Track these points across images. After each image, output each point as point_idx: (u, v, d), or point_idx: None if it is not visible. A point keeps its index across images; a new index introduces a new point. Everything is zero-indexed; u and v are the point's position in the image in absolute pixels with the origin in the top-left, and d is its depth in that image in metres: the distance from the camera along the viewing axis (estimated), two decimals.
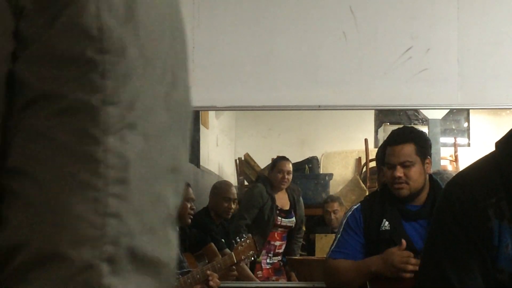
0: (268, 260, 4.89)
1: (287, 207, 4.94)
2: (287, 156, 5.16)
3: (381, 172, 3.42)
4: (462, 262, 1.66)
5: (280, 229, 4.92)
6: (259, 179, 5.12)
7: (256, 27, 3.83)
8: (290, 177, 4.95)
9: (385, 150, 3.19)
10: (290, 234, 4.99)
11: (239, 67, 3.82)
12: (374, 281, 3.01)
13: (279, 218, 4.87)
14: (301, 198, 5.10)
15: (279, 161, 4.99)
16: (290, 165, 5.00)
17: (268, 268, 4.92)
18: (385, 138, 5.88)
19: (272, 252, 4.92)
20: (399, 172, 3.04)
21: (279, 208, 4.86)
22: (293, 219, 4.95)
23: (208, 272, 3.22)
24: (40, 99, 0.56)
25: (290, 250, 5.02)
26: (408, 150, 3.08)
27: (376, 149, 6.00)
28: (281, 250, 4.97)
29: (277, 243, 4.94)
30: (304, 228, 5.17)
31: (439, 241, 1.73)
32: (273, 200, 4.81)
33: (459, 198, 1.69)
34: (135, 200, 0.57)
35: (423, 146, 3.14)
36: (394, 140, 3.15)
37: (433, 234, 1.80)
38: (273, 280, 4.84)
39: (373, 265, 2.98)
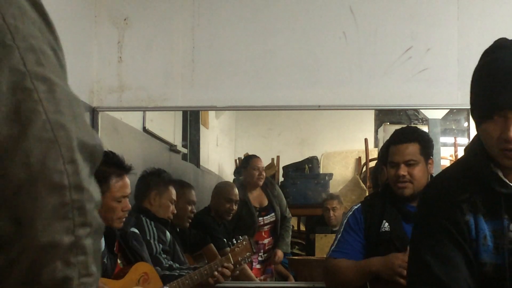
0: (259, 259, 4.91)
1: (265, 203, 4.96)
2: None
3: (382, 171, 3.41)
4: (446, 257, 1.75)
5: (265, 227, 4.94)
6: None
7: (256, 27, 3.83)
8: (264, 173, 5.00)
9: (388, 149, 3.16)
10: (275, 228, 5.01)
11: (239, 67, 3.82)
12: (374, 282, 3.01)
13: (260, 219, 4.89)
14: (277, 187, 5.12)
15: (252, 158, 5.05)
16: (262, 162, 5.05)
17: (259, 268, 4.93)
18: (385, 138, 5.89)
19: (262, 251, 4.95)
20: (403, 171, 3.02)
21: (258, 208, 4.87)
22: (273, 214, 4.97)
23: (216, 273, 3.24)
24: None
25: (280, 239, 5.01)
26: (413, 149, 3.06)
27: (376, 149, 6.02)
28: (270, 246, 4.98)
29: (266, 241, 4.96)
30: (290, 215, 5.16)
31: (422, 240, 1.81)
32: (247, 202, 4.82)
33: (434, 198, 1.81)
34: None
35: (427, 146, 3.12)
36: (398, 139, 3.13)
37: (416, 235, 1.88)
38: (261, 280, 4.85)
39: (374, 266, 2.97)
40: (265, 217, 4.94)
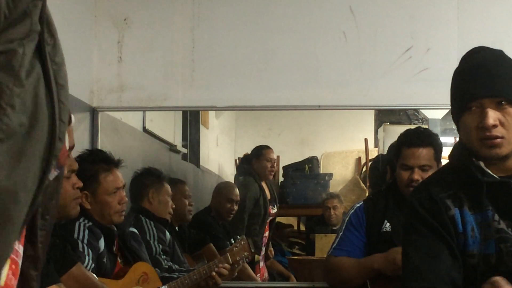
0: (262, 253, 4.90)
1: (269, 197, 4.97)
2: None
3: (387, 171, 3.38)
4: (428, 250, 1.85)
5: (269, 218, 4.95)
6: (246, 173, 4.98)
7: (256, 27, 3.83)
8: (276, 167, 4.98)
9: (399, 150, 3.13)
10: (273, 221, 5.06)
11: (239, 67, 3.82)
12: (375, 280, 3.00)
13: (271, 206, 4.92)
14: (275, 187, 5.17)
15: (265, 149, 4.95)
16: (274, 154, 5.00)
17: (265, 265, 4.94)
18: (385, 137, 5.88)
19: (264, 245, 4.94)
20: (417, 175, 2.99)
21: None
22: (275, 206, 5.00)
23: (213, 273, 3.23)
24: None
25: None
26: (428, 154, 3.03)
27: (377, 149, 6.02)
28: (267, 241, 4.99)
29: (266, 233, 4.95)
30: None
31: (407, 236, 1.93)
32: (263, 191, 4.84)
33: (418, 198, 1.92)
34: None
35: (440, 150, 3.10)
36: (414, 142, 3.07)
37: (403, 234, 1.99)
38: (266, 278, 4.85)
39: (376, 263, 2.96)
40: (271, 207, 4.97)
